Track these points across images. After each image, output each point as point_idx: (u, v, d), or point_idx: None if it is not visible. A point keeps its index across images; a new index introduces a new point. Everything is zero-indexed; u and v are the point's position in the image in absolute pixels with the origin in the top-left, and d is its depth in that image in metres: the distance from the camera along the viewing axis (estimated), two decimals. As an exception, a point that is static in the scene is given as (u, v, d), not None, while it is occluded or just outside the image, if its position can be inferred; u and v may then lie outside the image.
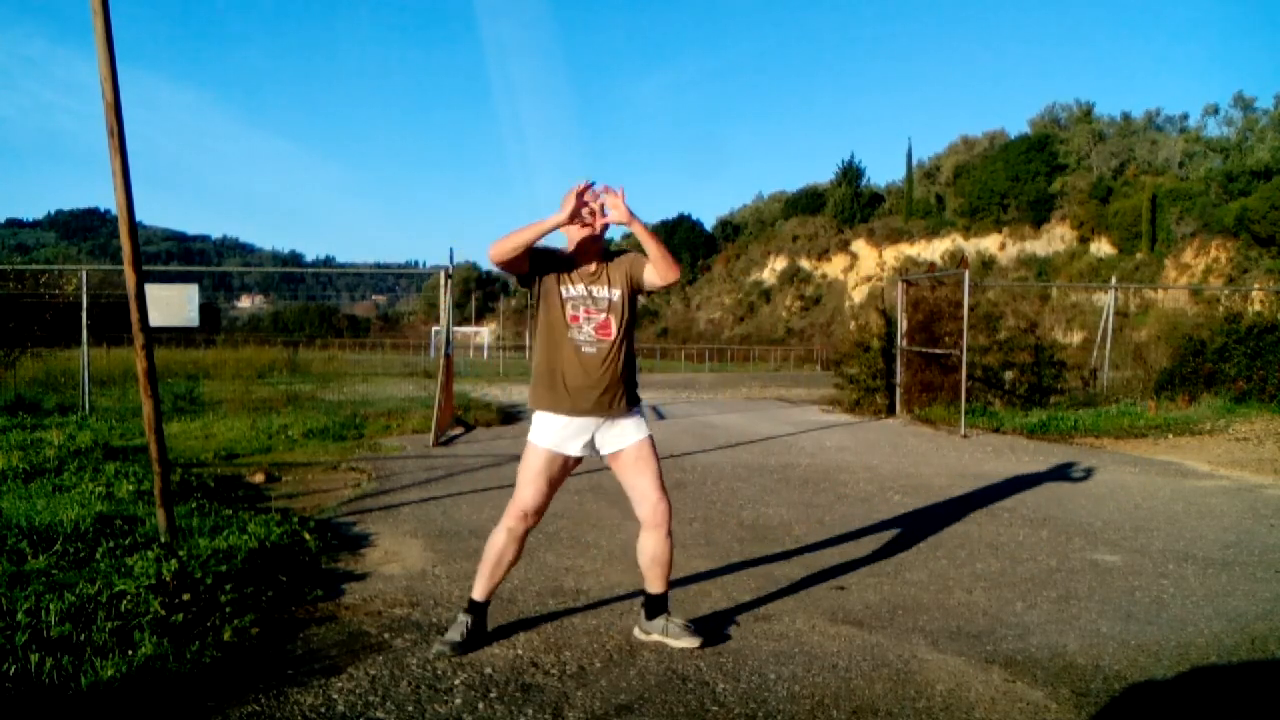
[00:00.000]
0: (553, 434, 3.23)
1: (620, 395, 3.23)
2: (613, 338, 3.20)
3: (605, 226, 3.15)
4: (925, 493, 6.68)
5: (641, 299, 3.47)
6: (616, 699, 2.85)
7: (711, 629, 3.46)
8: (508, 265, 3.11)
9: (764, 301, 77.40)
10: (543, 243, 3.14)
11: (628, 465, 3.28)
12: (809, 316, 71.33)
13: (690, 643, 3.27)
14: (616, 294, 3.22)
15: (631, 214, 3.07)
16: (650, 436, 3.32)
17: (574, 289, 3.21)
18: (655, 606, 3.36)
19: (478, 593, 3.31)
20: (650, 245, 3.08)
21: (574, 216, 3.05)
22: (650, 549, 3.28)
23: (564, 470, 3.30)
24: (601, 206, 3.10)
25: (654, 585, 3.34)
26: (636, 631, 3.40)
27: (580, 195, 3.04)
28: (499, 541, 3.26)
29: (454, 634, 3.25)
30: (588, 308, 3.20)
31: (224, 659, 3.06)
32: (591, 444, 3.27)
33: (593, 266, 3.23)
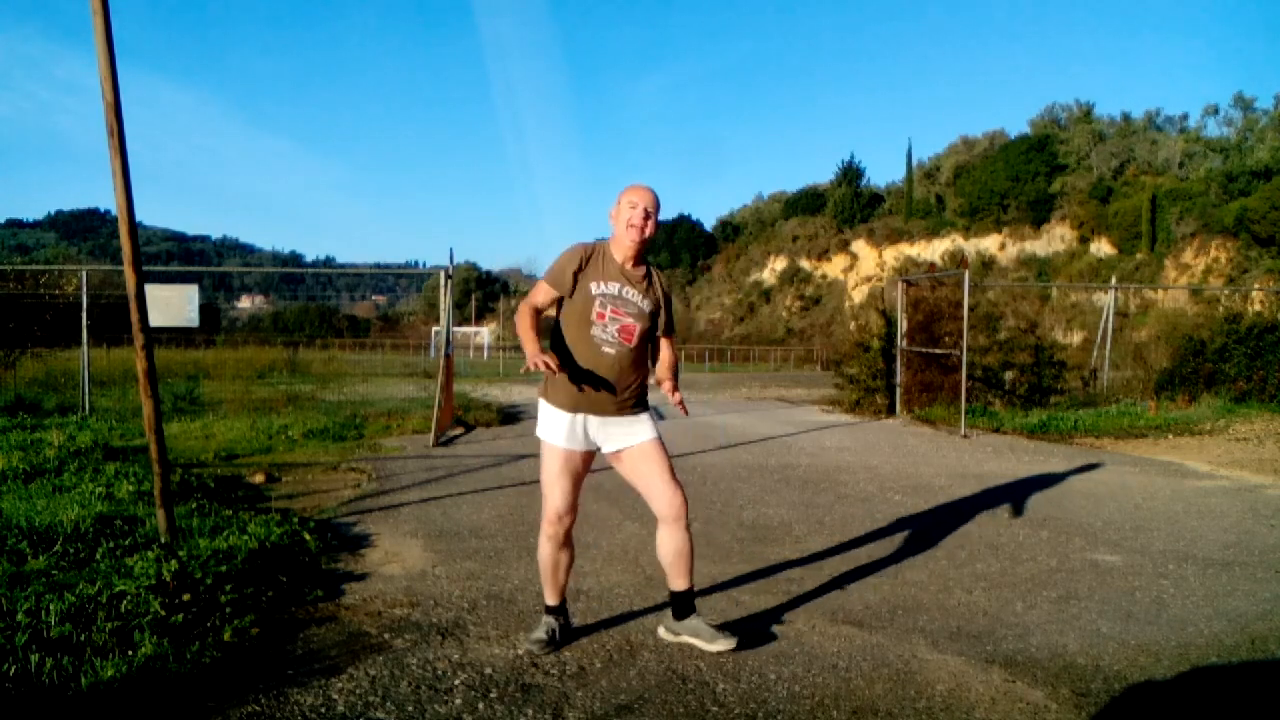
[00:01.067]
0: (560, 430, 3.19)
1: (629, 398, 3.21)
2: (633, 344, 3.18)
3: (647, 236, 3.18)
4: (925, 493, 6.68)
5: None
6: (616, 699, 2.85)
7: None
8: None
9: (764, 302, 77.41)
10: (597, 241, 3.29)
11: (634, 463, 3.23)
12: (809, 317, 71.34)
13: (725, 644, 3.18)
14: (649, 305, 3.22)
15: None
16: (659, 438, 3.27)
17: (607, 286, 3.18)
18: (682, 604, 3.26)
19: (550, 599, 3.34)
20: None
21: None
22: (671, 543, 3.20)
23: (584, 465, 3.25)
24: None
25: (679, 580, 3.24)
26: (662, 632, 3.33)
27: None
28: (546, 552, 3.26)
29: (540, 633, 3.28)
30: (615, 308, 3.17)
31: (224, 659, 3.06)
32: (590, 439, 3.23)
33: (631, 268, 3.23)
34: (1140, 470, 7.90)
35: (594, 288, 3.16)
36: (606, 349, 3.15)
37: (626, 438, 3.23)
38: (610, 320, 3.15)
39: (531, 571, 4.32)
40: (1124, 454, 9.01)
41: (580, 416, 3.19)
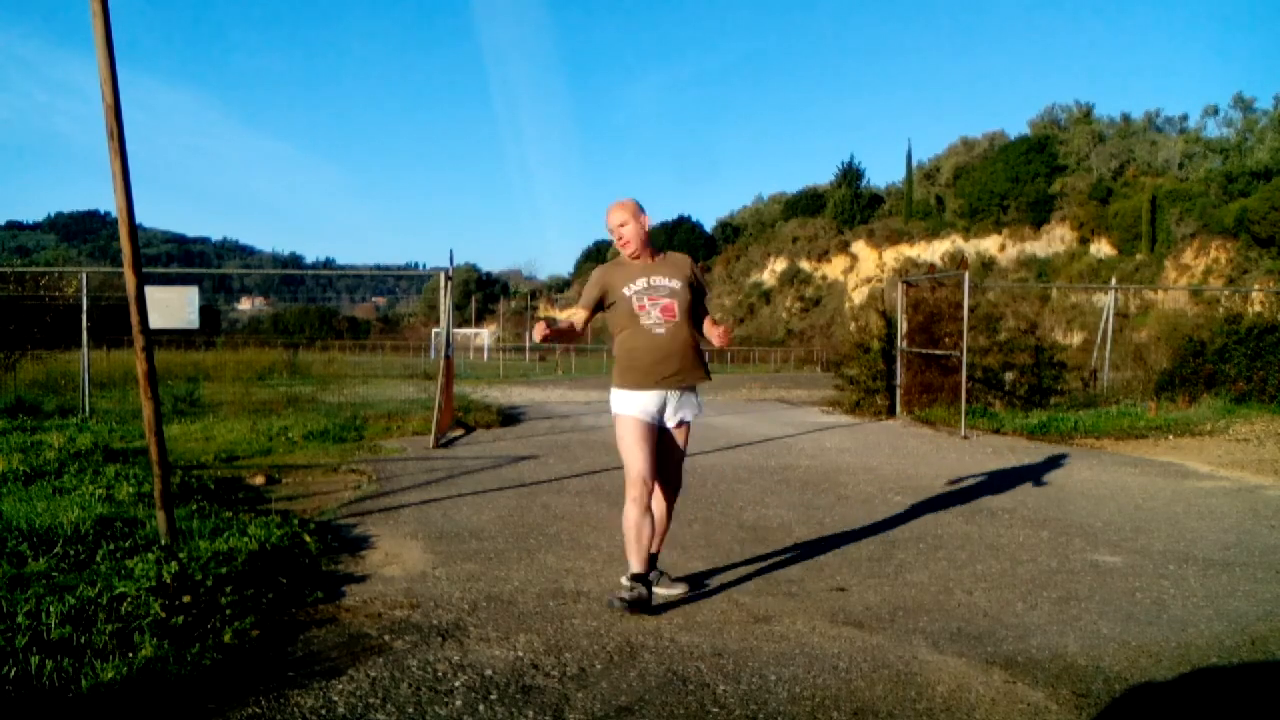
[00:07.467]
0: (636, 405, 3.70)
1: (688, 371, 3.74)
2: (677, 318, 3.71)
3: (641, 236, 3.77)
4: (925, 494, 6.68)
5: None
6: (617, 700, 2.84)
7: (713, 629, 3.41)
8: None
9: (764, 303, 77.41)
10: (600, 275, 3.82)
11: (670, 440, 3.80)
12: (809, 318, 71.33)
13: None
14: (676, 283, 3.74)
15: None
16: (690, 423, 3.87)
17: (635, 284, 3.74)
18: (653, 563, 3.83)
19: (635, 565, 3.66)
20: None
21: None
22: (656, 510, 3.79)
23: (656, 434, 3.74)
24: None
25: (656, 543, 3.81)
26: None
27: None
28: (632, 516, 3.63)
29: (624, 594, 3.62)
30: (651, 295, 3.72)
31: (224, 661, 3.06)
32: (662, 414, 3.75)
33: (646, 260, 3.79)
34: (1140, 471, 7.90)
35: (625, 290, 3.73)
36: (657, 330, 3.71)
37: (678, 415, 3.79)
38: (651, 306, 3.72)
39: (531, 573, 4.32)
40: (1124, 455, 9.01)
41: (646, 393, 3.71)
